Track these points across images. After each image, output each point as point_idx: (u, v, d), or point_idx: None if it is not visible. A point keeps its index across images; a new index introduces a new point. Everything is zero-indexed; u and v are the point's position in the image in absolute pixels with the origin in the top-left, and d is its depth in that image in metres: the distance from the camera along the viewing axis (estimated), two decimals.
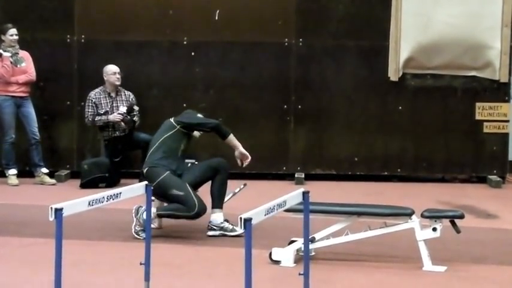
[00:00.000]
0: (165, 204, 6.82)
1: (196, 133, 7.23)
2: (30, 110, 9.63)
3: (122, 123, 9.49)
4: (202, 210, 6.57)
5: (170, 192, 6.61)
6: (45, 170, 9.64)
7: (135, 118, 9.57)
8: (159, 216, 6.80)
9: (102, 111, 9.53)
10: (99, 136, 9.66)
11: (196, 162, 7.33)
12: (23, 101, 9.61)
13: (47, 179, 9.61)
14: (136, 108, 9.65)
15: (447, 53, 9.91)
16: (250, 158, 6.96)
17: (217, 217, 6.75)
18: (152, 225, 6.70)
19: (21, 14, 9.98)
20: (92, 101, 9.56)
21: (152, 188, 6.54)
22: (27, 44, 9.78)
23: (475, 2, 9.85)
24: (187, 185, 6.63)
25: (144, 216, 6.64)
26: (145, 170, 6.82)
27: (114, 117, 9.48)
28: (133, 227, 6.64)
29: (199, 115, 7.27)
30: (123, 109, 9.55)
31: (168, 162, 6.77)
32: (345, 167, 10.21)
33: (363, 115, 10.14)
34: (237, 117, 9.86)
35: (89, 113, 9.55)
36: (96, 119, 9.51)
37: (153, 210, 6.63)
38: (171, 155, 6.82)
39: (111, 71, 9.63)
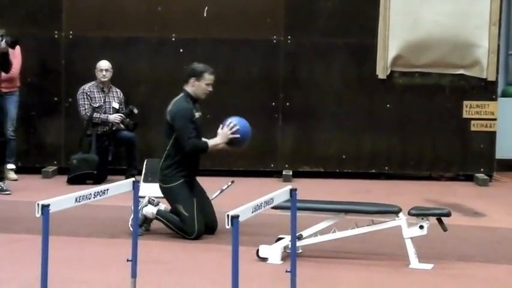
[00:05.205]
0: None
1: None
2: (10, 107, 9.48)
3: (121, 125, 9.47)
4: (200, 235, 6.53)
5: (176, 206, 6.57)
6: (10, 166, 9.53)
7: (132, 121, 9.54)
8: (157, 219, 6.67)
9: (96, 105, 9.49)
10: (90, 131, 9.53)
11: None
12: (4, 96, 9.50)
13: (12, 174, 9.49)
14: (135, 111, 9.61)
15: (435, 51, 9.93)
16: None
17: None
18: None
19: (8, 9, 9.93)
20: (86, 93, 9.51)
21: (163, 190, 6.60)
22: None
23: (463, 1, 9.88)
24: (195, 204, 6.56)
25: (145, 211, 6.63)
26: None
27: (115, 118, 9.45)
28: (130, 219, 6.56)
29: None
30: (115, 105, 9.54)
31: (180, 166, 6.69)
32: (333, 164, 10.22)
33: (351, 113, 10.15)
34: (225, 115, 9.79)
35: (86, 105, 9.49)
36: (94, 115, 9.45)
37: (153, 210, 6.65)
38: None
39: (99, 68, 9.61)
